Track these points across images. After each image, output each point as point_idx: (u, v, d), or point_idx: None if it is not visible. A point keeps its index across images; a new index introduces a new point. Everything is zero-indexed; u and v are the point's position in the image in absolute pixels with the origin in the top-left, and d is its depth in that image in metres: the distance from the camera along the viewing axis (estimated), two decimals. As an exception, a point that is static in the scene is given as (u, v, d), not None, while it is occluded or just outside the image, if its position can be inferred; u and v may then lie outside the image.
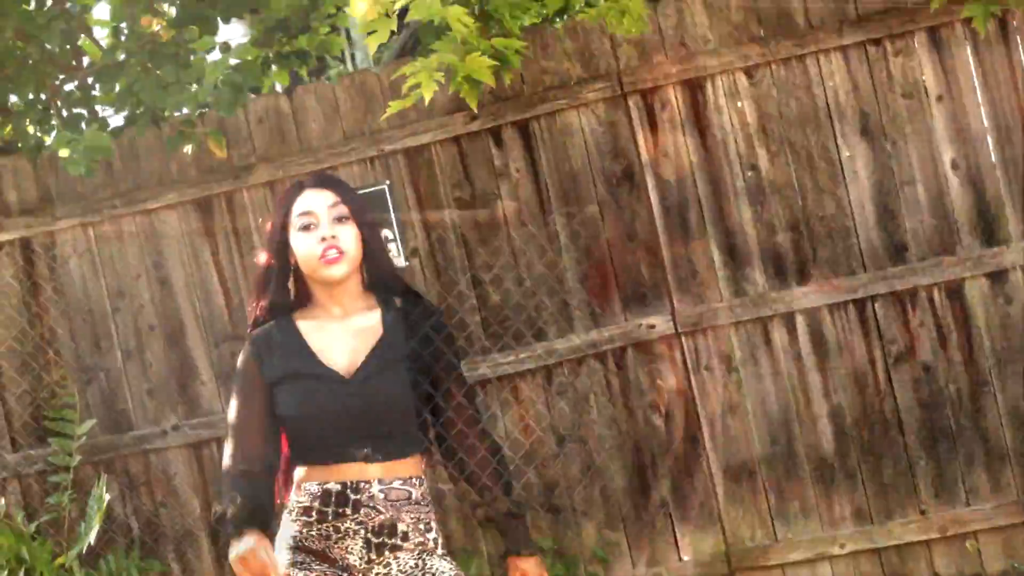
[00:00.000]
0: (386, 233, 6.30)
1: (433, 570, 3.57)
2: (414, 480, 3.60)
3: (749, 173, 6.26)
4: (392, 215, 6.30)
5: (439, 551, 3.60)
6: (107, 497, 6.20)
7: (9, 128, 6.81)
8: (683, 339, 6.27)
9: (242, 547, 3.38)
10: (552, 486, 6.34)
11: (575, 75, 6.30)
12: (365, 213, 3.62)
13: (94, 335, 6.55)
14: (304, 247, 3.56)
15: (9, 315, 6.57)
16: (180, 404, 6.52)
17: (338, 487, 3.55)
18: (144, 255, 6.52)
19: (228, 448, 3.60)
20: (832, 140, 6.22)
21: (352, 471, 3.55)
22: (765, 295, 6.23)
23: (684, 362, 6.27)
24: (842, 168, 6.21)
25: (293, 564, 3.57)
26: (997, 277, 6.13)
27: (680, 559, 6.29)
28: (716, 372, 6.27)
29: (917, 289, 6.17)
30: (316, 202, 3.57)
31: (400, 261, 6.31)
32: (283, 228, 3.60)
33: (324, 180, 3.65)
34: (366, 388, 3.53)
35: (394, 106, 4.90)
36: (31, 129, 6.87)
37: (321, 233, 3.54)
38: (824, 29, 6.20)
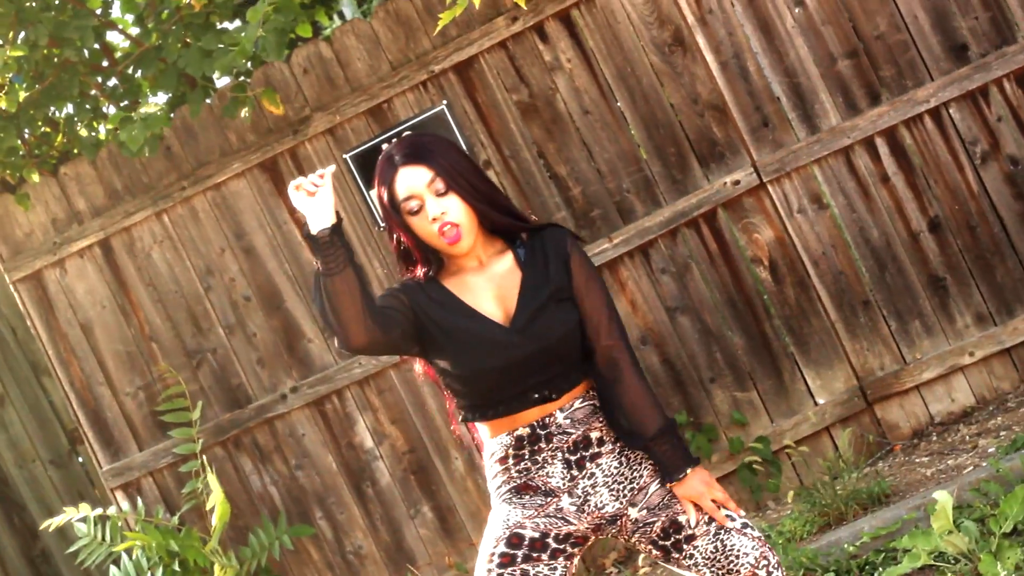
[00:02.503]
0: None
1: (639, 458, 3.59)
2: (591, 393, 3.60)
3: (797, 9, 6.22)
4: (456, 133, 6.29)
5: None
6: (215, 484, 6.16)
7: (61, 137, 6.80)
8: (770, 187, 6.25)
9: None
10: (674, 361, 6.33)
11: (604, -46, 6.27)
12: (462, 168, 3.59)
13: (192, 318, 6.56)
14: (422, 229, 3.57)
15: (104, 319, 6.57)
16: (293, 366, 6.52)
17: (527, 431, 3.57)
18: (223, 229, 6.52)
19: None
20: (871, -42, 6.19)
21: (534, 413, 3.56)
22: (839, 126, 6.20)
23: (776, 210, 6.25)
24: (887, -16, 6.18)
25: (500, 503, 3.60)
26: (1065, 53, 6.10)
27: (815, 404, 6.28)
28: (809, 212, 6.25)
29: (987, 85, 6.13)
30: (414, 183, 3.56)
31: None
32: (396, 210, 3.60)
33: (414, 154, 3.59)
34: (527, 334, 3.53)
35: (445, 17, 4.88)
36: (83, 132, 6.86)
37: (431, 214, 3.54)
38: None
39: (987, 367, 6.20)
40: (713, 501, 3.54)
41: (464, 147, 6.27)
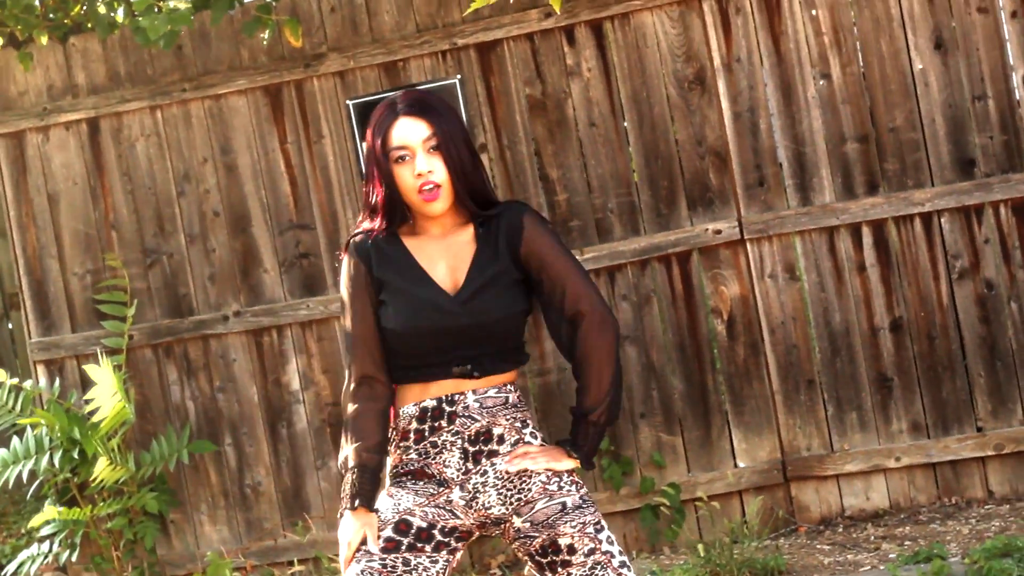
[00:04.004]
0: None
1: (533, 472, 3.58)
2: (509, 386, 3.61)
3: (821, 82, 6.24)
4: (461, 109, 6.29)
5: (536, 442, 3.61)
6: (109, 380, 6.13)
7: (79, 8, 6.78)
8: (748, 245, 6.26)
9: (350, 533, 3.52)
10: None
11: (651, -23, 6.29)
12: (455, 133, 3.61)
13: (158, 218, 6.55)
14: (403, 180, 3.58)
15: (73, 195, 6.56)
16: (242, 291, 6.52)
17: (433, 403, 3.57)
18: (211, 140, 6.51)
19: (350, 360, 3.61)
20: (905, 52, 6.20)
21: (447, 387, 3.57)
22: (832, 205, 6.22)
23: (749, 268, 6.27)
24: (914, 81, 6.19)
25: (393, 485, 3.61)
26: (1067, 195, 6.13)
27: (736, 465, 6.30)
28: (780, 280, 6.27)
29: (984, 205, 6.16)
30: (411, 134, 3.57)
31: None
32: (384, 155, 3.60)
33: (417, 107, 3.61)
34: (468, 307, 3.55)
35: (479, 0, 4.86)
36: (102, 9, 6.84)
37: (417, 168, 3.55)
38: (902, -59, 6.18)
39: (909, 475, 6.23)
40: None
41: (465, 122, 6.27)
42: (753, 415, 6.29)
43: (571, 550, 3.50)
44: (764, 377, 6.28)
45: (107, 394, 6.01)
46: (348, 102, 6.38)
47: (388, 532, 3.54)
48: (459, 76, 6.34)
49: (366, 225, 3.66)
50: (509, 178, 6.34)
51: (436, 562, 3.54)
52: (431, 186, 3.56)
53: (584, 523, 3.51)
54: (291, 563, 6.45)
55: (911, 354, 6.22)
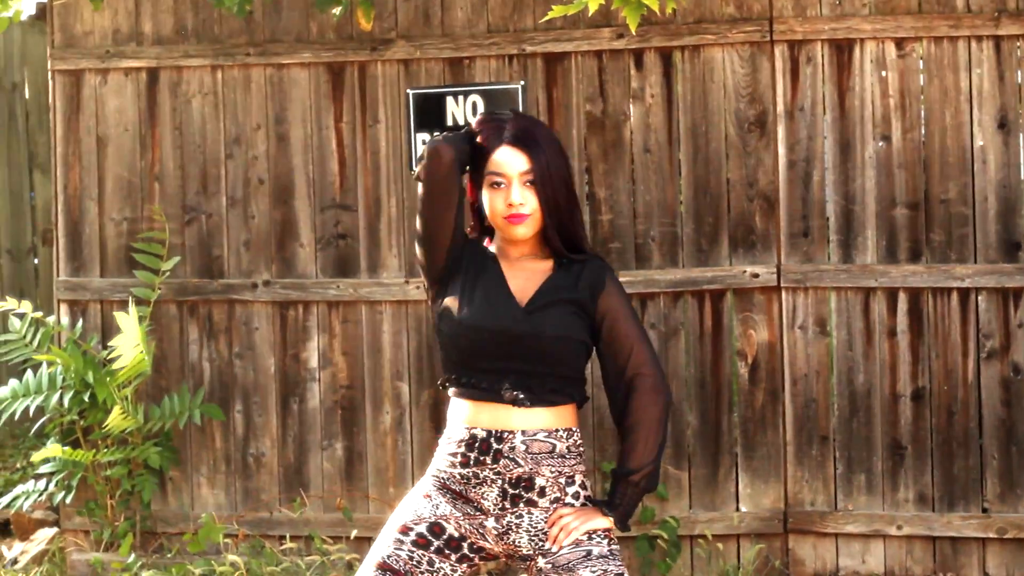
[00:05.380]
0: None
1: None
2: (560, 432, 3.64)
3: (880, 143, 6.23)
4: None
5: (576, 503, 3.63)
6: (133, 329, 6.13)
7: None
8: (783, 293, 6.26)
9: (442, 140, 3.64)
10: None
11: (727, 13, 6.28)
12: (554, 177, 3.66)
13: (203, 177, 6.55)
14: (492, 204, 3.66)
15: (122, 141, 6.57)
16: (275, 262, 6.52)
17: (483, 434, 3.61)
18: (268, 108, 6.51)
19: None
20: (968, 127, 6.19)
21: (499, 417, 3.60)
22: (872, 266, 6.21)
23: (780, 316, 6.26)
24: (972, 156, 6.19)
25: (435, 486, 3.66)
26: (1107, 292, 6.12)
27: (738, 508, 6.29)
28: (809, 332, 6.26)
29: (1023, 290, 6.15)
30: (510, 164, 3.64)
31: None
32: (479, 174, 3.69)
33: (523, 139, 3.66)
34: (529, 318, 3.61)
35: (557, 10, 4.86)
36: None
37: (510, 198, 3.62)
38: (982, 16, 6.15)
39: (908, 545, 6.22)
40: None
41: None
42: (762, 462, 6.28)
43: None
44: (779, 426, 6.27)
45: (130, 344, 6.02)
46: (409, 91, 6.38)
47: (422, 529, 3.61)
48: (523, 82, 6.34)
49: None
50: (556, 190, 6.33)
51: (456, 572, 3.61)
52: (519, 216, 3.63)
53: (606, 571, 3.56)
54: (283, 538, 6.44)
55: (928, 425, 6.21)
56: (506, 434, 3.60)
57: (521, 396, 3.59)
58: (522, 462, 3.60)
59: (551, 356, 3.61)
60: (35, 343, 6.44)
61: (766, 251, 6.27)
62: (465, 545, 3.62)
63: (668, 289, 6.29)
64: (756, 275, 6.26)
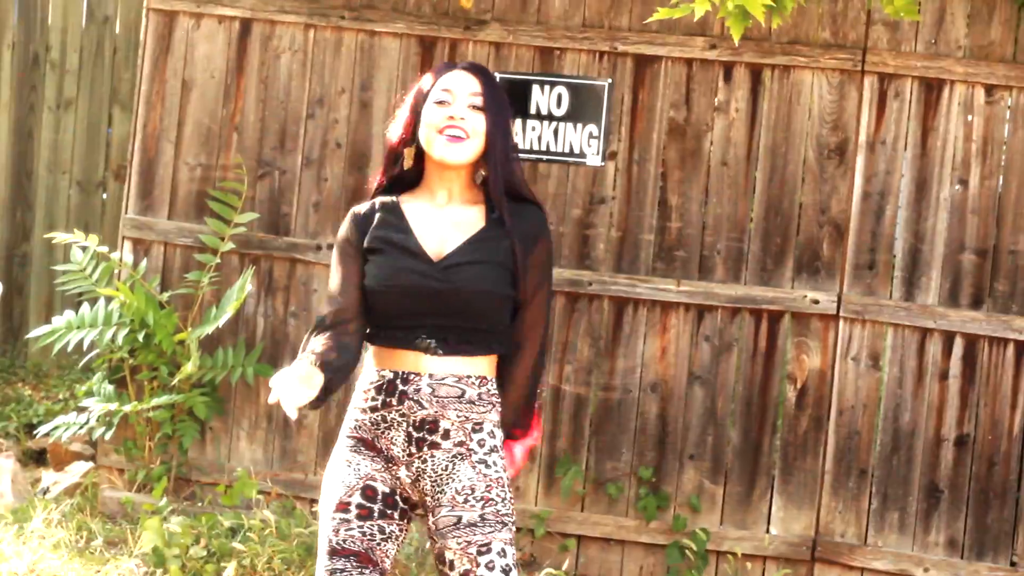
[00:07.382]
0: (591, 129, 6.31)
1: (456, 476, 3.59)
2: (472, 379, 3.60)
3: (957, 186, 6.23)
4: (604, 113, 6.30)
5: (477, 456, 3.60)
6: (250, 289, 6.24)
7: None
8: (841, 323, 6.26)
9: (285, 370, 3.49)
10: (669, 421, 6.34)
11: (822, 38, 6.28)
12: (503, 111, 3.64)
13: (282, 134, 6.57)
14: (430, 117, 3.59)
15: (207, 87, 6.59)
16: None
17: (391, 375, 3.58)
18: (354, 73, 6.53)
19: (323, 310, 3.68)
20: (1047, 181, 6.20)
21: (408, 361, 3.57)
22: (932, 308, 6.21)
23: (835, 346, 6.27)
24: (1048, 211, 6.20)
25: (349, 448, 3.63)
26: None
27: (768, 530, 6.30)
28: (862, 365, 6.26)
29: (1082, 350, 6.16)
30: (459, 83, 3.60)
31: (596, 160, 6.31)
32: (423, 98, 3.63)
33: (476, 67, 3.68)
34: (448, 274, 3.56)
35: (662, 13, 4.85)
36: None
37: (452, 111, 3.56)
38: (1074, 70, 6.16)
39: (932, 589, 6.23)
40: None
41: (604, 127, 6.30)
42: (798, 487, 6.29)
43: (451, 566, 3.55)
44: (820, 454, 6.28)
45: (231, 298, 6.09)
46: (497, 75, 6.39)
47: (358, 499, 3.57)
48: (610, 80, 6.35)
49: (374, 181, 3.74)
50: (629, 192, 6.35)
51: (404, 531, 3.61)
52: (458, 131, 3.55)
53: (469, 543, 3.52)
54: (314, 501, 6.46)
55: (968, 472, 6.21)
56: (412, 376, 3.55)
57: (434, 344, 3.56)
58: (427, 404, 3.55)
59: (471, 311, 3.57)
60: (95, 277, 6.46)
61: (829, 278, 6.28)
62: (399, 498, 3.59)
63: (727, 304, 6.30)
64: (816, 301, 6.26)
